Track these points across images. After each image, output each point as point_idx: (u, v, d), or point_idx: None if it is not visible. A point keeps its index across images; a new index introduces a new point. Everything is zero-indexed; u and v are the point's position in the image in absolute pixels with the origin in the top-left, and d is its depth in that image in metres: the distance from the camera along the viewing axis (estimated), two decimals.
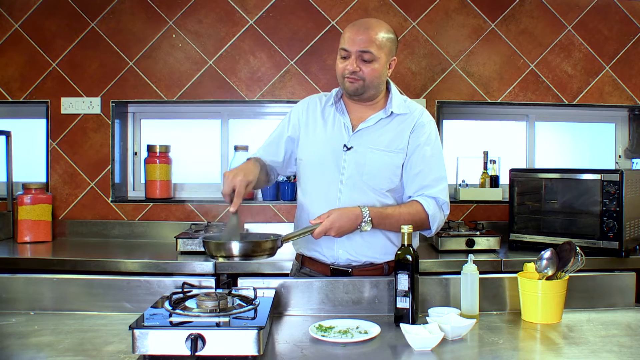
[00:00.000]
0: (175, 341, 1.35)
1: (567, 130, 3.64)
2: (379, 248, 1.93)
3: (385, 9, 3.31)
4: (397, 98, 1.98)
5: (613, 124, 3.61)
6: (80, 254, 2.84)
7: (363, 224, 1.81)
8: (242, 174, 1.77)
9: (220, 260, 1.72)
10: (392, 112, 1.95)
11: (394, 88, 2.01)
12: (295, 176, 2.68)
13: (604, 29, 3.35)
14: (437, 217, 1.91)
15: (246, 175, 1.77)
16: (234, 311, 1.47)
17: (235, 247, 1.60)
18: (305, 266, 2.02)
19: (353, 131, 1.95)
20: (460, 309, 1.72)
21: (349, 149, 1.93)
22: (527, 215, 3.00)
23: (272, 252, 1.66)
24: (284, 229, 2.41)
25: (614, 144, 3.61)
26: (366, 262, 1.94)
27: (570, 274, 1.75)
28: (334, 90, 2.04)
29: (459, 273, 1.76)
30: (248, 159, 2.00)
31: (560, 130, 3.63)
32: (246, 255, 1.60)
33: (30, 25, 3.31)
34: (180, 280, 1.74)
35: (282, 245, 1.71)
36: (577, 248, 1.74)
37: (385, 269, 1.96)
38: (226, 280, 2.46)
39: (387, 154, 1.93)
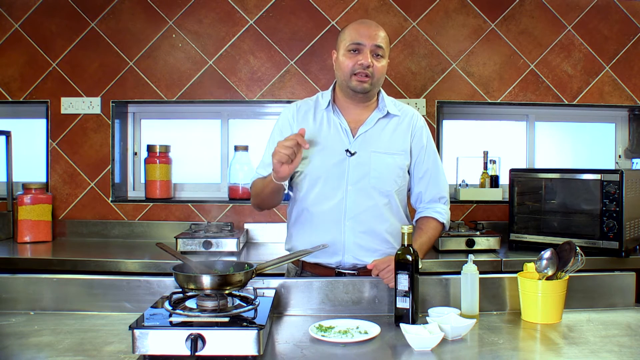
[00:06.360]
0: (175, 341, 1.35)
1: (567, 130, 3.64)
2: (384, 249, 1.94)
3: (385, 9, 3.31)
4: (387, 98, 2.03)
5: (613, 124, 3.61)
6: (80, 254, 2.84)
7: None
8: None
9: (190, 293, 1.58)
10: (387, 111, 1.98)
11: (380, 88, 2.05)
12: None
13: (604, 29, 3.35)
14: (447, 217, 2.05)
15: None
16: (234, 311, 1.47)
17: (206, 280, 1.48)
18: (306, 270, 2.00)
19: (353, 134, 1.95)
20: (460, 309, 1.72)
21: (352, 154, 1.93)
22: (527, 215, 3.00)
23: (245, 284, 1.56)
24: (283, 228, 2.40)
25: (614, 144, 3.61)
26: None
27: (570, 274, 1.75)
28: (319, 94, 2.03)
29: (459, 273, 1.76)
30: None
31: (560, 130, 3.63)
32: (217, 288, 1.48)
33: (30, 25, 3.31)
34: None
35: (254, 276, 1.61)
36: (577, 248, 1.74)
37: None
38: None
39: (390, 156, 1.95)
